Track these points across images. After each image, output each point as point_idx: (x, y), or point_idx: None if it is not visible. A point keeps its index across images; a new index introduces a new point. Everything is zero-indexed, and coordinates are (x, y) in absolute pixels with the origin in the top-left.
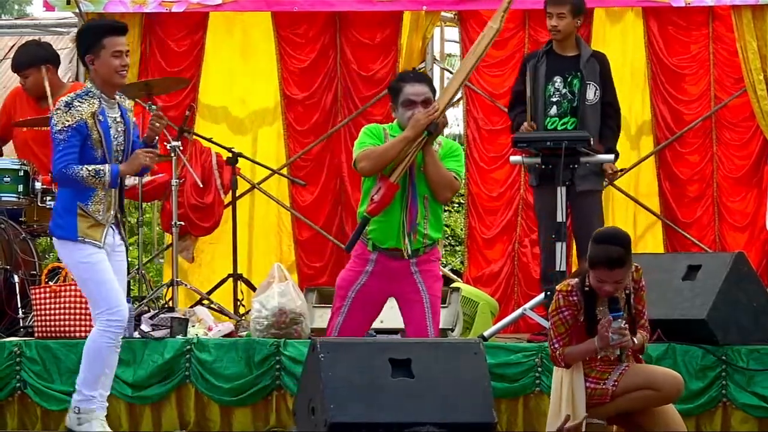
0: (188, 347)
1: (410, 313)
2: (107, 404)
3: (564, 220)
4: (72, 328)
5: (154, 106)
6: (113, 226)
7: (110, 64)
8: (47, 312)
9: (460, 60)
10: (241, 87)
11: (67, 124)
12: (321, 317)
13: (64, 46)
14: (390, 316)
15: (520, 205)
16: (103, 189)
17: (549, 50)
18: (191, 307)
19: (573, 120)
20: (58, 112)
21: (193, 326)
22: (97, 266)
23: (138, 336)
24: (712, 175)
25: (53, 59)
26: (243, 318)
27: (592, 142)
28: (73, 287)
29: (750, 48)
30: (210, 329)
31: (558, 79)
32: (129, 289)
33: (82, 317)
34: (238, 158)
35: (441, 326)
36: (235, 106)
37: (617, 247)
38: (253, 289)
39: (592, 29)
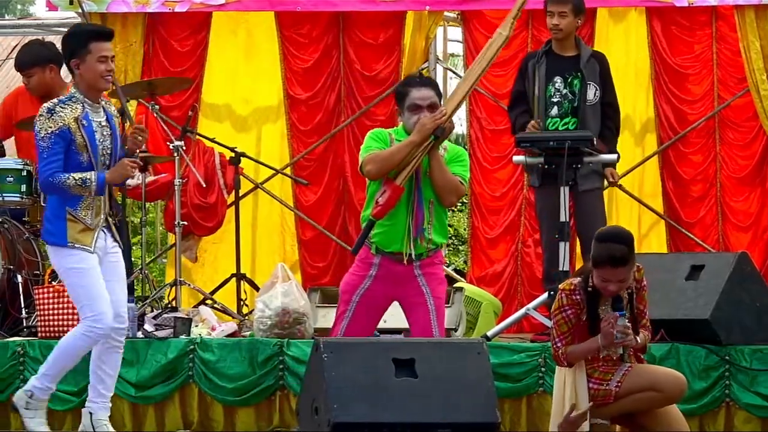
0: (191, 347)
1: (415, 317)
2: (110, 405)
3: (567, 220)
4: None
5: (156, 106)
6: (104, 230)
7: (95, 69)
8: (50, 312)
9: (463, 60)
10: (244, 87)
11: (50, 130)
12: (324, 317)
13: None
14: (393, 315)
15: (523, 204)
16: (90, 195)
17: (548, 50)
18: (194, 306)
19: (574, 120)
20: (41, 118)
21: (197, 326)
22: (87, 273)
23: (141, 336)
24: (716, 175)
25: (56, 59)
26: (246, 318)
27: (595, 142)
28: None
29: (753, 48)
30: (213, 329)
31: (558, 80)
32: (132, 289)
33: None
34: (241, 158)
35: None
36: (238, 106)
37: (621, 246)
38: (257, 288)
39: (595, 29)
